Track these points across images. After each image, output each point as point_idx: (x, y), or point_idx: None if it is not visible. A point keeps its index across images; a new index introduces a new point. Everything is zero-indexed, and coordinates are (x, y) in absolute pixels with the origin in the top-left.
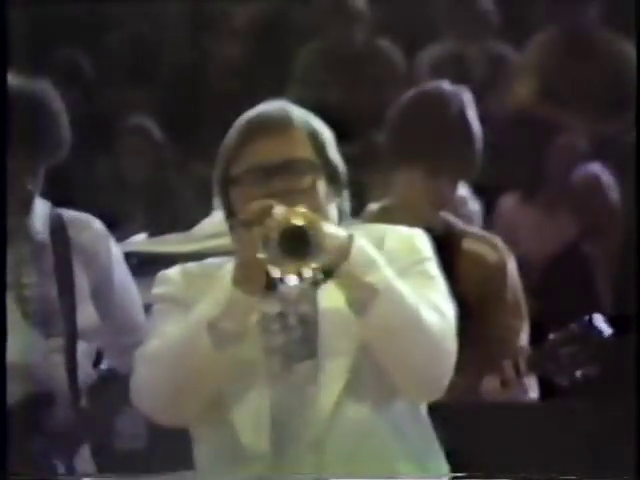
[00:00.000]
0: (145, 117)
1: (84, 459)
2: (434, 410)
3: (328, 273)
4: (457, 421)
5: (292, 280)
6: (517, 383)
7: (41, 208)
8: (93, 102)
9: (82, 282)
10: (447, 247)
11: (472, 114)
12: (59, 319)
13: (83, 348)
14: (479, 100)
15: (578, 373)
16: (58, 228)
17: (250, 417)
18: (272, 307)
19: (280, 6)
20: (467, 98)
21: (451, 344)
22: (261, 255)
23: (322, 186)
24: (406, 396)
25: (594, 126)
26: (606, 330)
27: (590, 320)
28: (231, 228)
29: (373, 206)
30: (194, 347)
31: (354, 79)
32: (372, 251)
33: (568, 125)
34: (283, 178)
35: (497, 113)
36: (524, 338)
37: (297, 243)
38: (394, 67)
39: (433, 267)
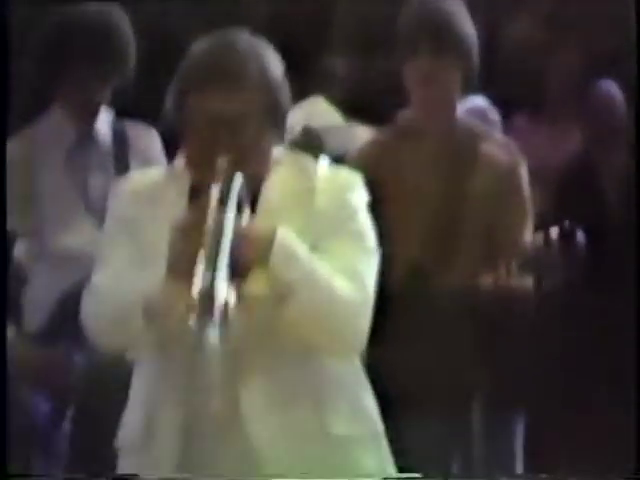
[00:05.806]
0: None
1: None
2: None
3: (246, 270)
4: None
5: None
6: (508, 283)
7: (105, 116)
8: (159, 23)
9: None
10: (465, 150)
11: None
12: None
13: None
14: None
15: (558, 280)
16: (119, 135)
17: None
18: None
19: None
20: None
21: (365, 309)
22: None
23: (267, 133)
24: (328, 355)
25: (595, 44)
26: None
27: (571, 229)
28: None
29: (405, 113)
30: (128, 316)
31: None
32: (294, 242)
33: (570, 44)
34: (229, 131)
35: (501, 36)
36: (526, 240)
37: None
38: None
39: (364, 220)
